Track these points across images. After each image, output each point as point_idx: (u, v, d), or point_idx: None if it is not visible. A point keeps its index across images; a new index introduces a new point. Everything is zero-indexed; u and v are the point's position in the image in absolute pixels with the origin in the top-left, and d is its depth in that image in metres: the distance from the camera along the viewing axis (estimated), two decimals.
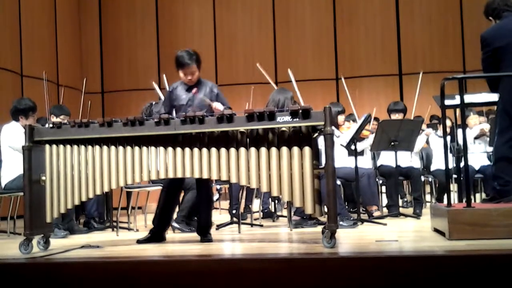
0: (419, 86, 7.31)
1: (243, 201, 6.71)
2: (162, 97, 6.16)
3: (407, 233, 4.95)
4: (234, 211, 6.27)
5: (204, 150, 4.04)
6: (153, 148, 4.12)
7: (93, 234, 5.70)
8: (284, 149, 3.90)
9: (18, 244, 4.10)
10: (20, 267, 3.64)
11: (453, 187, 6.75)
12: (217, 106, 4.64)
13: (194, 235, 5.19)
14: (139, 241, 4.66)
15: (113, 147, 4.18)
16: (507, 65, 4.49)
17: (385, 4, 11.57)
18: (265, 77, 6.73)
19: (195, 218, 5.91)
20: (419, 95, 7.47)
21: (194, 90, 4.73)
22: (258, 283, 3.27)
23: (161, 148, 4.11)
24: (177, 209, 5.74)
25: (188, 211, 5.69)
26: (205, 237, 4.68)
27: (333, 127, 3.91)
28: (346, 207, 6.55)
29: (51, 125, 4.29)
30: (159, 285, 3.34)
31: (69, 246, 4.38)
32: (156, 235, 4.72)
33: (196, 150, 4.05)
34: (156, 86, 6.93)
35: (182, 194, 5.65)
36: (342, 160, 6.38)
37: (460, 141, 4.27)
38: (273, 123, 3.89)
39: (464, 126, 4.33)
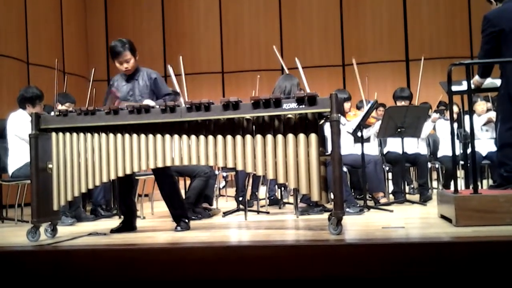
0: (421, 71, 7.27)
1: (249, 188, 6.72)
2: (176, 84, 6.11)
3: (413, 219, 4.94)
4: (240, 198, 6.28)
5: (210, 137, 4.03)
6: (159, 135, 4.12)
7: (100, 222, 5.72)
8: (290, 136, 3.89)
9: (25, 231, 4.12)
10: (27, 254, 3.66)
11: (460, 173, 6.74)
12: (147, 103, 4.40)
13: (201, 222, 5.22)
14: (112, 231, 4.63)
15: (119, 135, 4.18)
16: (509, 50, 4.46)
17: None
18: (271, 64, 6.70)
19: (202, 205, 5.93)
20: (429, 81, 7.43)
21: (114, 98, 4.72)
22: (264, 270, 3.27)
23: (167, 136, 4.10)
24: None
25: (195, 198, 5.70)
26: (179, 225, 4.58)
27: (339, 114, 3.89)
28: (353, 194, 6.54)
29: (57, 113, 4.29)
30: (165, 272, 3.36)
31: (76, 233, 4.40)
32: (126, 225, 4.72)
33: (202, 137, 4.05)
34: (171, 72, 6.84)
35: (188, 181, 5.66)
36: (349, 147, 6.37)
37: (467, 128, 4.25)
38: (279, 110, 3.88)
39: (471, 112, 4.31)
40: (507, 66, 4.54)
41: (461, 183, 6.03)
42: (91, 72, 7.58)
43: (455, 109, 6.76)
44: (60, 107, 6.08)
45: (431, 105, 8.21)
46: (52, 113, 4.66)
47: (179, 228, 4.55)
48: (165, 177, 4.68)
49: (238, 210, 5.95)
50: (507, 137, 4.53)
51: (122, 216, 4.85)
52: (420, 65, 7.45)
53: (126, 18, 11.97)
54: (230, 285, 3.34)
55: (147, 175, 6.11)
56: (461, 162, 6.59)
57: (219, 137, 4.02)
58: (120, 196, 4.86)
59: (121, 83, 4.80)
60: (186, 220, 4.66)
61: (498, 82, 4.73)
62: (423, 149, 7.24)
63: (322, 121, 4.00)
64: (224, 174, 7.89)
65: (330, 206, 5.02)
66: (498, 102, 4.79)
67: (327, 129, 4.25)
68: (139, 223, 5.42)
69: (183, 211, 4.71)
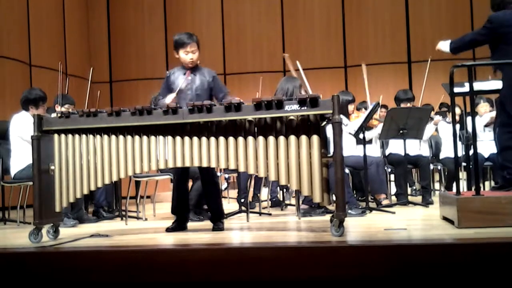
0: (427, 73, 7.26)
1: (251, 190, 6.72)
2: None
3: (415, 221, 4.93)
4: (242, 200, 6.28)
5: (212, 139, 4.03)
6: (161, 137, 4.12)
7: (102, 223, 5.72)
8: (292, 138, 3.89)
9: (27, 233, 4.12)
10: (29, 256, 3.66)
11: (462, 175, 6.73)
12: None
13: (203, 224, 5.21)
14: (168, 229, 4.66)
15: (121, 137, 4.18)
16: (509, 52, 4.47)
17: None
18: (274, 66, 6.70)
19: (204, 206, 5.93)
20: (431, 83, 7.41)
21: (187, 79, 4.73)
22: (266, 272, 3.27)
23: (169, 137, 4.10)
24: None
25: (197, 199, 5.70)
26: (216, 225, 4.68)
27: (341, 116, 3.89)
28: (355, 195, 6.54)
29: (59, 115, 4.29)
30: (167, 274, 3.36)
31: (78, 235, 4.40)
32: (180, 225, 4.73)
33: (204, 139, 4.05)
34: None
35: (190, 183, 5.66)
36: (351, 148, 6.37)
37: (470, 129, 4.24)
38: (281, 112, 3.88)
39: (473, 113, 4.30)
40: (507, 71, 4.55)
41: (463, 184, 6.03)
42: (89, 72, 7.58)
43: (457, 110, 6.76)
44: (59, 108, 6.07)
45: (433, 106, 8.20)
46: (53, 115, 4.67)
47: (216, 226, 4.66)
48: (212, 177, 4.78)
49: (240, 211, 5.95)
50: (505, 141, 4.54)
51: (176, 216, 4.80)
52: (421, 66, 7.45)
53: (128, 20, 11.97)
54: (232, 287, 3.34)
55: (149, 177, 6.13)
56: (463, 164, 6.59)
57: (221, 138, 4.02)
58: (177, 195, 4.80)
59: (179, 76, 4.80)
60: (223, 221, 4.75)
61: (499, 83, 4.73)
62: (425, 151, 7.23)
63: (324, 122, 4.00)
64: (226, 175, 7.89)
65: (332, 207, 5.03)
66: (498, 105, 4.81)
67: (329, 130, 4.25)
68: (141, 224, 5.44)
69: (221, 213, 4.79)
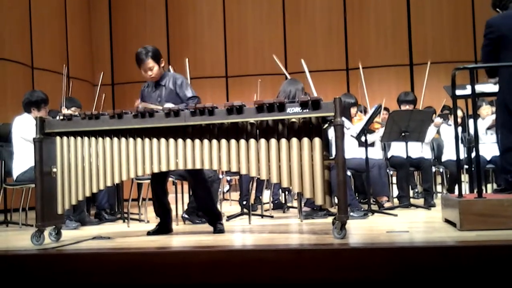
0: (427, 76, 7.25)
1: (253, 192, 6.72)
2: None
3: (418, 224, 4.93)
4: (244, 202, 6.28)
5: (214, 141, 4.03)
6: (163, 139, 4.12)
7: (104, 226, 5.73)
8: (294, 140, 3.89)
9: (30, 235, 4.12)
10: (32, 258, 3.66)
11: (465, 177, 6.72)
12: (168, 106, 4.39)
13: (205, 226, 5.20)
14: (149, 233, 4.68)
15: (123, 139, 4.19)
16: (508, 55, 4.46)
17: None
18: (275, 68, 6.71)
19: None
20: (433, 85, 7.42)
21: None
22: (268, 274, 3.27)
23: (171, 140, 4.10)
24: (187, 201, 5.77)
25: None
26: (216, 227, 4.68)
27: (343, 118, 3.89)
28: (357, 198, 6.53)
29: (61, 117, 4.30)
30: (169, 276, 3.36)
31: (80, 237, 4.41)
32: (163, 227, 4.74)
33: (206, 141, 4.05)
34: None
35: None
36: (353, 150, 6.36)
37: (472, 132, 4.24)
38: (283, 114, 3.88)
39: (475, 116, 4.30)
40: (503, 72, 4.55)
41: (465, 187, 6.02)
42: (99, 77, 7.61)
43: (459, 113, 6.75)
44: (66, 111, 6.08)
45: (435, 109, 8.20)
46: (57, 117, 4.67)
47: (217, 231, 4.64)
48: (201, 180, 4.78)
49: (242, 214, 5.95)
50: (507, 144, 4.53)
51: (159, 218, 4.81)
52: (423, 69, 7.45)
53: (130, 22, 11.99)
54: None
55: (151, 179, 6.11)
56: (466, 166, 6.58)
57: (223, 141, 4.02)
58: (155, 198, 4.82)
59: (151, 89, 4.85)
60: (222, 222, 4.73)
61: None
62: (427, 153, 7.23)
63: (326, 125, 4.00)
64: (228, 178, 7.89)
65: (334, 210, 5.02)
66: (497, 107, 4.81)
67: (331, 133, 4.25)
68: (143, 227, 5.44)
69: (217, 214, 4.78)
